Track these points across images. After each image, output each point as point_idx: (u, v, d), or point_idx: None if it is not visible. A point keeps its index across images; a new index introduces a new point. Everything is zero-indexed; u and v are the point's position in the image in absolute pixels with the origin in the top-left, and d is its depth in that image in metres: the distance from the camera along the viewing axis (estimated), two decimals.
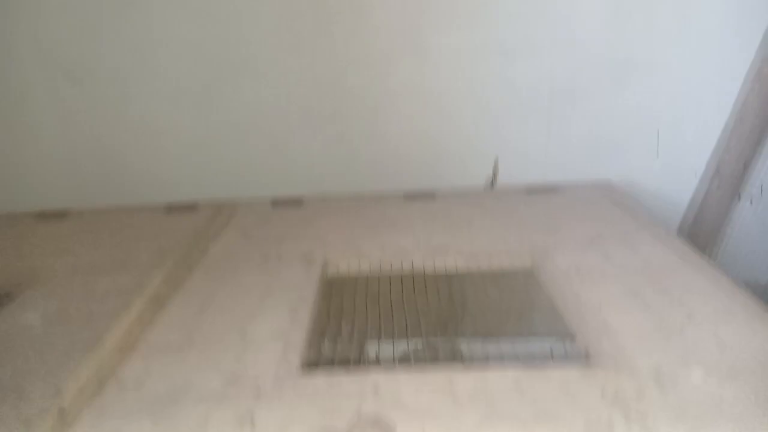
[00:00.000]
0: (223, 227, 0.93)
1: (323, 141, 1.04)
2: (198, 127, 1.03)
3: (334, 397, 0.52)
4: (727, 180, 1.01)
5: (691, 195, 1.05)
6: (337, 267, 0.79)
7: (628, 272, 0.70)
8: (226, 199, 1.04)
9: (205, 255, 0.83)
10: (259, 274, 0.76)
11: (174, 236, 0.90)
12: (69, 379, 0.56)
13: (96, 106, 1.02)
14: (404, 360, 0.58)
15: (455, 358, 0.57)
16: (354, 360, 0.58)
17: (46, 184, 1.09)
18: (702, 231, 1.03)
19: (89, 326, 0.65)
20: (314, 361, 0.58)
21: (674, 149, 1.03)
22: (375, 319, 0.67)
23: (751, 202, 1.02)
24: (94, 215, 1.02)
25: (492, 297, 0.71)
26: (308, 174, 1.06)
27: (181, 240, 0.88)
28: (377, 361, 0.58)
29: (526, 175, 1.04)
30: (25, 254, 0.88)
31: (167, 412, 0.51)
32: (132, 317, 0.68)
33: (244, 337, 0.62)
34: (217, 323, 0.65)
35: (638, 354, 0.55)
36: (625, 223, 0.85)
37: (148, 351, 0.61)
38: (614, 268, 0.72)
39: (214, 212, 0.99)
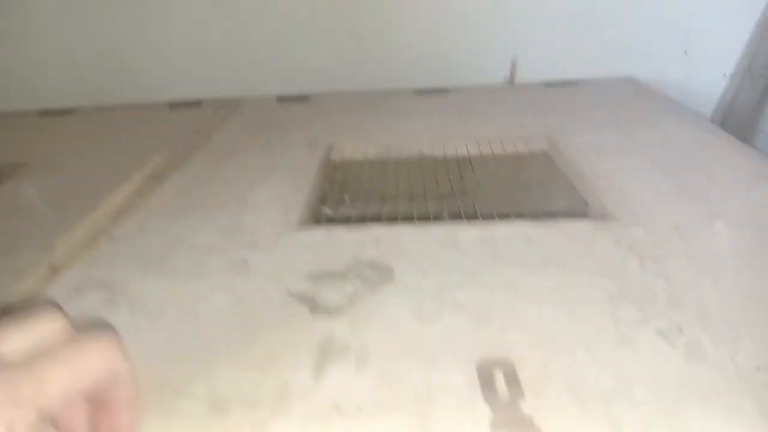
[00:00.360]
0: (227, 119, 0.90)
1: (331, 38, 1.00)
2: (202, 25, 1.00)
3: (332, 246, 0.49)
4: (758, 79, 0.94)
5: (720, 94, 0.98)
6: (342, 151, 0.75)
7: (651, 147, 0.66)
8: (230, 97, 1.00)
9: (208, 141, 0.80)
10: (262, 156, 0.73)
11: (177, 127, 0.88)
12: (61, 238, 0.54)
13: (99, 5, 0.99)
14: (407, 219, 0.55)
15: (460, 217, 0.54)
16: (355, 219, 0.56)
17: (50, 84, 1.07)
18: (732, 131, 0.97)
19: (86, 198, 0.64)
20: (314, 220, 0.56)
21: (703, 47, 0.96)
22: (379, 189, 0.64)
23: None
24: (98, 112, 1.00)
25: (503, 175, 0.67)
26: (316, 72, 1.02)
27: (184, 130, 0.86)
28: (379, 219, 0.55)
29: (545, 73, 0.98)
30: (27, 144, 0.87)
31: (158, 260, 0.50)
32: (130, 189, 0.67)
33: (244, 203, 0.59)
34: (216, 193, 0.63)
35: (658, 211, 0.52)
36: (651, 109, 0.80)
37: (145, 214, 0.59)
38: (637, 144, 0.67)
39: (218, 107, 0.96)
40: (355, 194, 0.63)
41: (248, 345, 0.37)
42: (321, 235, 0.52)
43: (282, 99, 0.98)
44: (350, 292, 0.42)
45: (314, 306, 0.41)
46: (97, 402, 0.26)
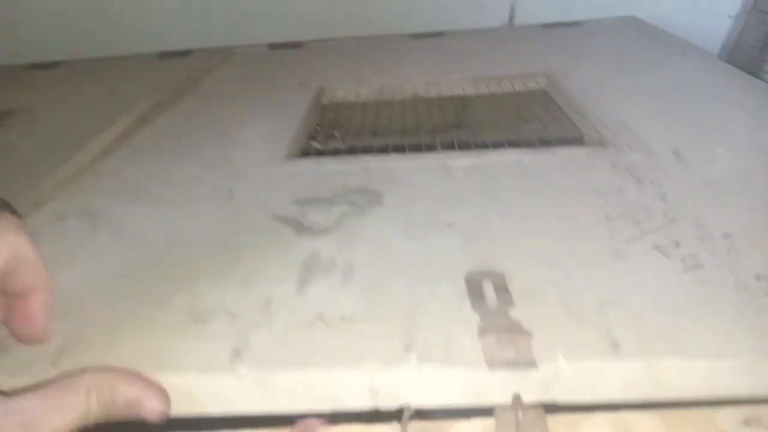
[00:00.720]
0: (217, 66, 0.87)
1: None
2: None
3: (320, 175, 0.48)
4: (765, 18, 0.91)
5: (724, 36, 0.95)
6: (334, 93, 0.73)
7: (654, 81, 0.64)
8: (222, 47, 0.98)
9: (197, 85, 0.78)
10: (251, 98, 0.71)
11: (166, 76, 0.85)
12: (46, 178, 0.53)
13: None
14: (399, 150, 0.53)
15: (453, 148, 0.53)
16: (345, 152, 0.54)
17: (38, 38, 1.04)
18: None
19: (73, 142, 0.62)
20: (302, 153, 0.54)
21: None
22: (372, 126, 0.62)
23: None
24: (87, 64, 0.98)
25: (501, 112, 0.65)
26: (309, 20, 0.99)
27: (173, 77, 0.84)
28: (370, 151, 0.53)
29: (545, 15, 0.95)
30: (15, 95, 0.85)
31: (141, 191, 0.48)
32: (117, 132, 0.65)
33: (230, 140, 0.58)
34: (202, 131, 0.61)
35: (657, 138, 0.50)
36: (654, 46, 0.77)
37: (129, 150, 0.58)
38: (639, 79, 0.65)
39: (208, 55, 0.94)
40: (346, 131, 0.61)
41: (230, 262, 0.36)
42: (309, 165, 0.50)
43: (274, 46, 0.95)
44: (337, 215, 0.41)
45: (300, 227, 0.40)
46: (6, 290, 0.25)
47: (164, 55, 0.97)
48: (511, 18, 0.96)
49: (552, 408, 0.27)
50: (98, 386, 0.26)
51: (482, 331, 0.29)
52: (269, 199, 0.44)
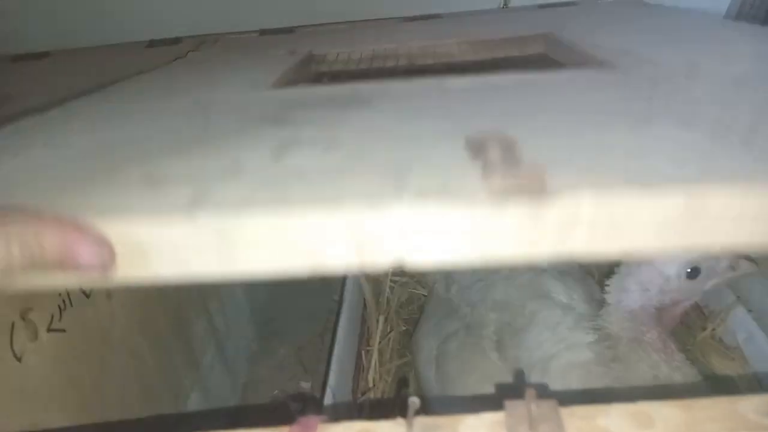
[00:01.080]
0: (206, 50, 0.85)
1: None
2: None
3: (305, 96, 0.44)
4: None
5: (724, 13, 0.93)
6: (324, 59, 0.70)
7: (660, 31, 0.61)
8: (212, 34, 0.96)
9: (181, 57, 0.76)
10: (235, 61, 0.69)
11: (154, 63, 0.82)
12: None
13: None
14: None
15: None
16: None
17: (23, 28, 1.02)
18: None
19: None
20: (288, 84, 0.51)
21: None
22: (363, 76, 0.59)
23: None
24: (74, 54, 0.95)
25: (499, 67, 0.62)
26: (301, 6, 0.97)
27: (160, 64, 0.81)
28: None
29: None
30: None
31: (107, 119, 0.44)
32: None
33: (211, 84, 0.55)
34: (182, 80, 0.58)
35: (671, 57, 0.46)
36: (657, 15, 0.75)
37: (104, 95, 0.54)
38: (644, 28, 0.63)
39: (197, 42, 0.91)
40: (335, 76, 0.58)
41: (196, 142, 0.32)
42: (293, 92, 0.46)
43: (265, 32, 0.93)
44: (321, 111, 0.37)
45: (279, 120, 0.35)
46: None
47: (153, 44, 0.94)
48: (506, 2, 0.94)
49: (565, 401, 0.23)
50: (21, 234, 0.22)
51: (486, 172, 0.24)
52: (249, 107, 0.40)
